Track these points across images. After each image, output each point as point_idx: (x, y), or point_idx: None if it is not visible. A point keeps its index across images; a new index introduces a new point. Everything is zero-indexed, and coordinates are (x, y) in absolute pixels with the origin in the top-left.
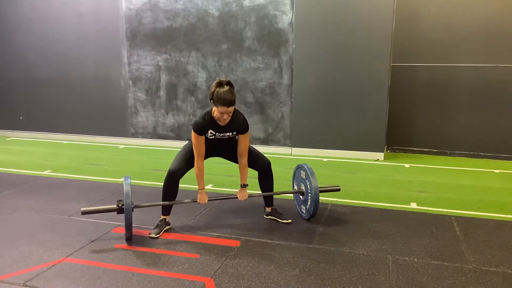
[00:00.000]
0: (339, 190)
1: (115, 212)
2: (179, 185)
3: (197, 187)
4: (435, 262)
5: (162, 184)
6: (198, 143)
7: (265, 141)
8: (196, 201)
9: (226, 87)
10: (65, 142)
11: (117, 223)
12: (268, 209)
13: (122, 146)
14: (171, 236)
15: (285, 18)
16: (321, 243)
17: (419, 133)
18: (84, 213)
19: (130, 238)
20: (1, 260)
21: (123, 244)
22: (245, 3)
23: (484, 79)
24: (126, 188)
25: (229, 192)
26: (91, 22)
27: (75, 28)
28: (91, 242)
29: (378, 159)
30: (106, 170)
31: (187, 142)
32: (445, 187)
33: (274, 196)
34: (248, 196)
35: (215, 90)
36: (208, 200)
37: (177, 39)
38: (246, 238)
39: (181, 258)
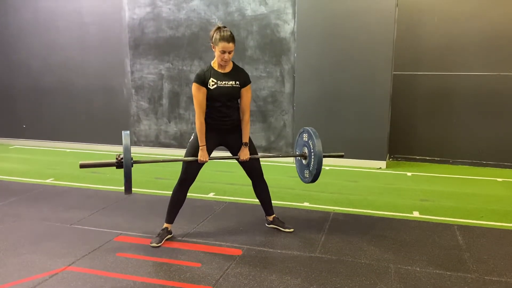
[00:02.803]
0: (343, 156)
1: (115, 167)
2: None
3: (199, 195)
4: (437, 271)
5: (164, 192)
6: (199, 95)
7: (267, 149)
8: (198, 159)
9: (226, 29)
10: (68, 150)
11: (119, 231)
12: (270, 218)
13: None
14: (173, 245)
15: (287, 27)
16: (323, 252)
17: (421, 141)
18: (82, 166)
19: (129, 193)
20: (4, 269)
21: (125, 253)
22: (247, 12)
23: (486, 87)
24: (125, 142)
25: (232, 200)
26: (95, 32)
27: (78, 37)
28: (93, 250)
29: (380, 168)
30: (109, 178)
31: (191, 139)
32: (448, 195)
33: (276, 204)
34: (250, 157)
35: (214, 31)
36: (209, 158)
37: (179, 48)
38: (248, 247)
39: (183, 267)
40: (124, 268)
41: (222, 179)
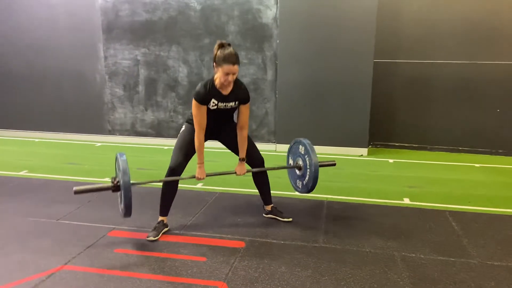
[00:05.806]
0: (334, 164)
1: (111, 191)
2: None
3: (188, 186)
4: (441, 258)
5: (150, 183)
6: (199, 113)
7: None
8: (195, 176)
9: (229, 47)
10: (36, 140)
11: (112, 226)
12: (268, 208)
13: (99, 144)
14: (172, 239)
15: (269, 12)
16: (327, 241)
17: (399, 128)
18: (76, 192)
19: (129, 216)
20: None
21: (123, 249)
22: None
23: (462, 75)
24: (123, 165)
25: (222, 190)
26: (65, 14)
27: (47, 20)
28: (88, 247)
29: (362, 155)
30: (87, 169)
31: (182, 130)
32: (433, 181)
33: (272, 193)
34: (246, 172)
35: (217, 51)
36: (206, 175)
37: (156, 32)
38: (250, 238)
39: (188, 261)
40: (125, 265)
41: (209, 169)
